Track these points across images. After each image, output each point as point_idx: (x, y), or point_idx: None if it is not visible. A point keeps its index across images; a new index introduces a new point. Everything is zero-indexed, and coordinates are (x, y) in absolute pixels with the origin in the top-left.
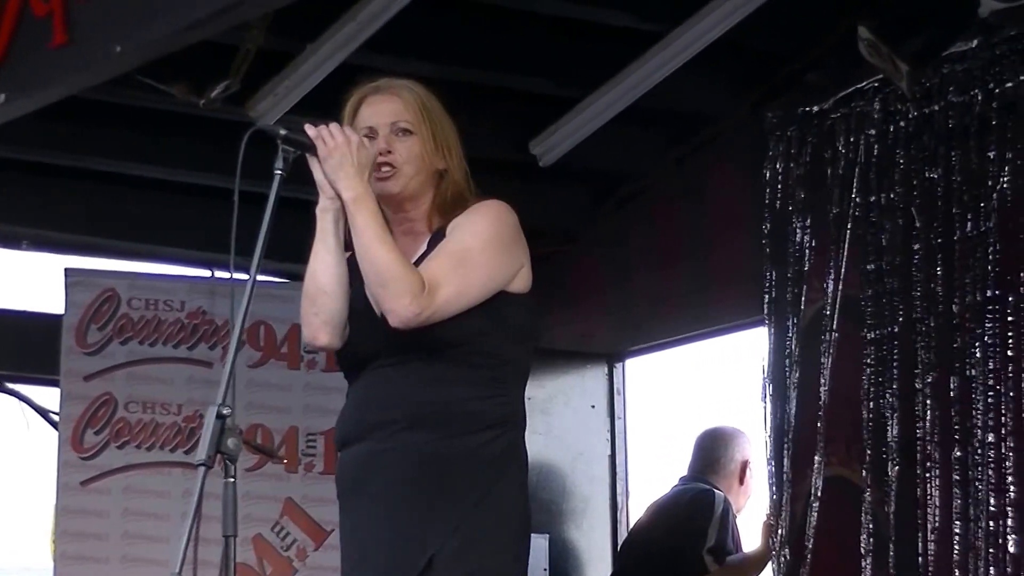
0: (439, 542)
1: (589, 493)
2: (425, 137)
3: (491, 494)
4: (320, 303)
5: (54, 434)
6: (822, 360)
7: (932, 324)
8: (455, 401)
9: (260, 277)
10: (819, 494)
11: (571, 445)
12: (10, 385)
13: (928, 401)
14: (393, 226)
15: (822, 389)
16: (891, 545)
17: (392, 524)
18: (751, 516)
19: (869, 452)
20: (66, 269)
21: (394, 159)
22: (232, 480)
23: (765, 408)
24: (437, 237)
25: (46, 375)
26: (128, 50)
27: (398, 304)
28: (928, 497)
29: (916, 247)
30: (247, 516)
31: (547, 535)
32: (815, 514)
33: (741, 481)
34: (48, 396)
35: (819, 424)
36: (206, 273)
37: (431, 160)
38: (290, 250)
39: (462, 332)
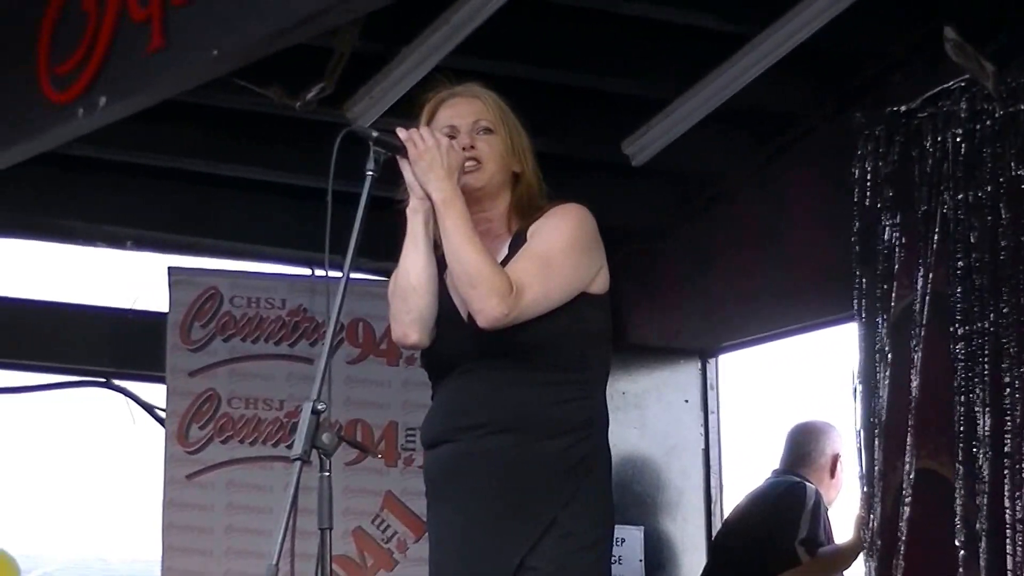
0: (529, 543)
1: (683, 486)
2: (504, 137)
3: (578, 495)
4: (411, 301)
5: (159, 430)
6: (912, 355)
7: (1020, 319)
8: (540, 405)
9: (359, 275)
10: (910, 487)
11: (665, 439)
12: (116, 382)
13: (1018, 395)
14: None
15: (912, 384)
16: (983, 538)
17: (482, 526)
18: (842, 509)
19: (960, 445)
20: (169, 268)
21: (478, 154)
22: (327, 474)
23: (855, 402)
24: (518, 240)
25: (151, 372)
26: (224, 53)
27: (487, 304)
28: (1018, 490)
29: (1003, 243)
30: (347, 509)
31: (642, 527)
32: (906, 507)
33: (832, 474)
34: (153, 392)
35: (909, 418)
36: (306, 271)
37: (509, 160)
38: (387, 249)
39: (546, 333)
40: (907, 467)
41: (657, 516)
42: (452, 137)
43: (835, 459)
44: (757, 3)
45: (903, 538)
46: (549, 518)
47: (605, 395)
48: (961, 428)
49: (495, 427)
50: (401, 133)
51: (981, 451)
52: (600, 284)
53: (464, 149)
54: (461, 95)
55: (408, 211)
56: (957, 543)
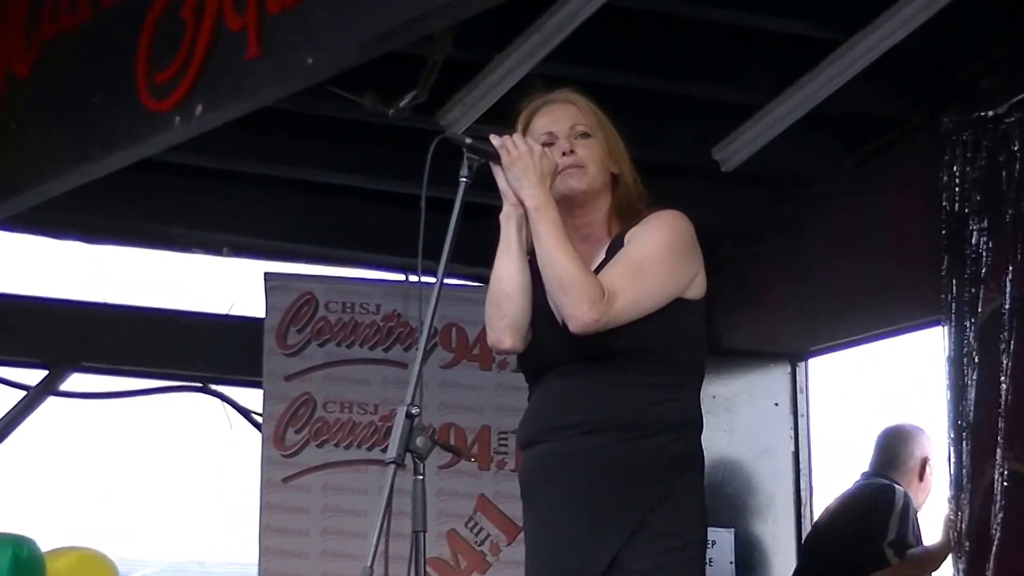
0: (623, 540)
1: (773, 489)
2: (602, 140)
3: (671, 495)
4: (504, 307)
5: (255, 434)
6: (1001, 359)
7: None
8: (635, 406)
9: (452, 281)
10: (1000, 490)
11: (755, 442)
12: (213, 386)
13: None
14: (572, 232)
15: (1001, 387)
16: None
17: (577, 523)
18: (932, 511)
19: None
20: (266, 274)
21: (578, 159)
22: (421, 477)
23: (946, 405)
24: (616, 245)
25: (247, 377)
26: (319, 61)
27: (578, 310)
28: None
29: None
30: (441, 512)
31: (732, 529)
32: (997, 510)
33: (921, 477)
34: (249, 397)
35: (998, 421)
36: (400, 277)
37: (608, 163)
38: (481, 254)
39: (639, 339)
40: (996, 470)
41: (748, 519)
42: (550, 144)
43: (924, 462)
44: (847, 9)
45: (995, 540)
46: (640, 517)
47: (699, 399)
48: None
49: (587, 427)
50: (494, 140)
51: None
52: (696, 290)
53: (564, 154)
54: (555, 101)
55: (501, 217)
56: None
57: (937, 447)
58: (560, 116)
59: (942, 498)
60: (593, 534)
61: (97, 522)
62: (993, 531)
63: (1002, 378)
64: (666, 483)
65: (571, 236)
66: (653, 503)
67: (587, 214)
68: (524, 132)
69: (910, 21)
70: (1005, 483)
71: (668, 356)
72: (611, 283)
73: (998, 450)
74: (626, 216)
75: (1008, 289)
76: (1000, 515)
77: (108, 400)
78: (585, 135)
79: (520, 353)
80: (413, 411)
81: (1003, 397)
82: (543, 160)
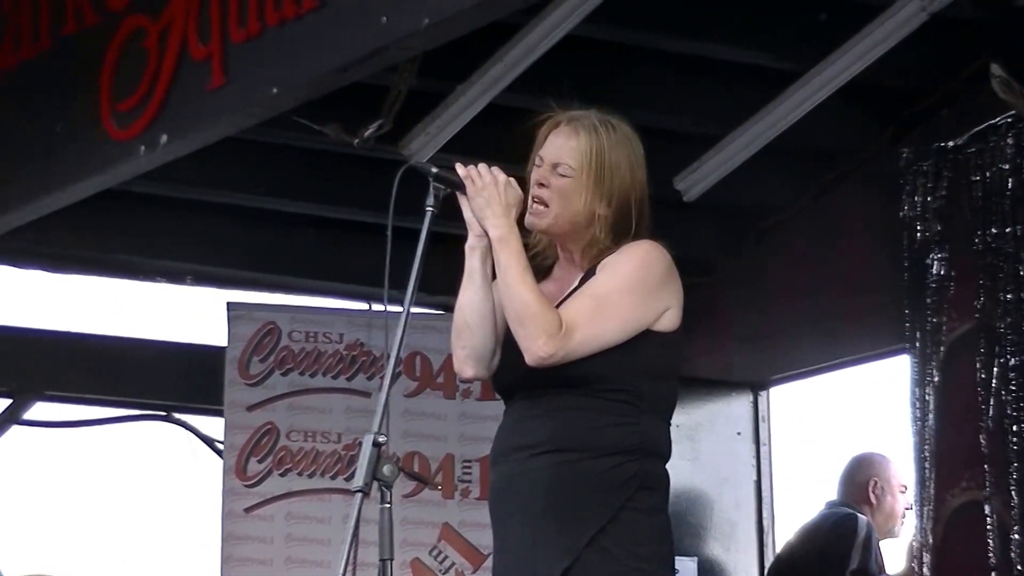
0: (572, 558)
1: (736, 517)
2: (585, 184)
3: (623, 515)
4: (465, 338)
5: (219, 462)
6: (963, 388)
7: None
8: (589, 428)
9: (416, 309)
10: (960, 518)
11: (718, 471)
12: (177, 415)
13: None
14: (558, 251)
15: (963, 416)
16: None
17: (528, 541)
18: (902, 539)
19: (1013, 476)
20: (228, 303)
21: (545, 196)
22: (388, 506)
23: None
24: (588, 276)
25: (211, 405)
26: (284, 91)
27: (534, 344)
28: None
29: None
30: (405, 540)
31: (695, 558)
32: (955, 537)
33: (869, 501)
34: (213, 426)
35: (961, 449)
36: (364, 306)
37: (587, 205)
38: (445, 283)
39: (598, 369)
40: (956, 498)
41: (710, 547)
42: (539, 166)
43: (870, 485)
44: (808, 40)
45: (950, 569)
46: (590, 536)
47: (664, 427)
48: (1015, 459)
49: (541, 448)
50: (460, 169)
51: None
52: (668, 322)
53: (537, 185)
54: (567, 126)
55: (466, 248)
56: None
57: (902, 474)
58: (558, 144)
59: (909, 525)
60: (543, 552)
61: (60, 551)
62: (948, 559)
63: (964, 407)
64: (618, 504)
65: (559, 257)
66: (604, 522)
67: (569, 242)
68: (542, 142)
69: (870, 52)
70: (963, 512)
71: (627, 386)
72: (571, 317)
73: (959, 479)
74: (606, 252)
75: (969, 318)
76: (955, 543)
77: (72, 429)
78: (565, 176)
79: (492, 375)
80: (380, 439)
81: (964, 426)
82: (508, 190)
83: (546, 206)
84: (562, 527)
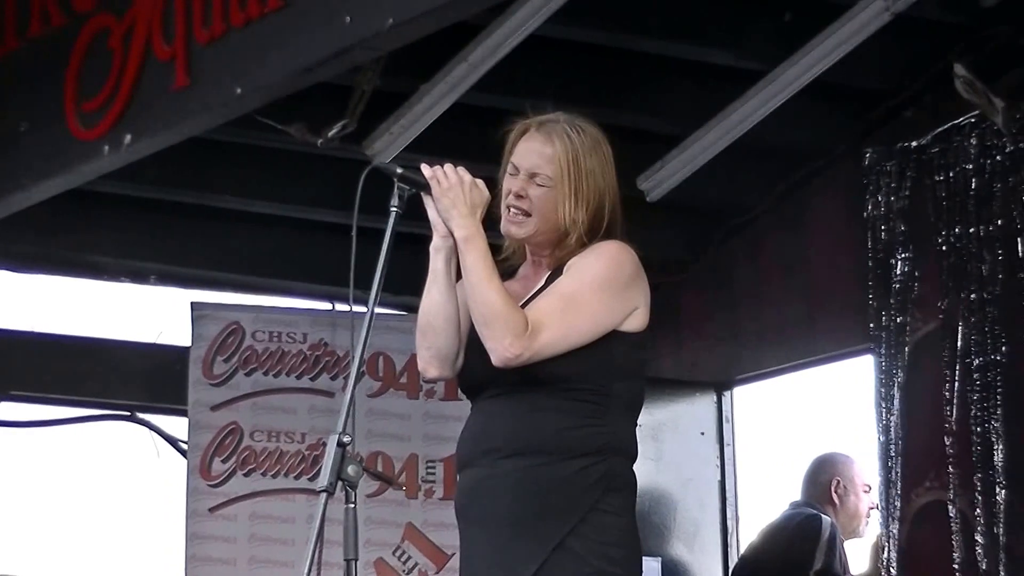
0: (541, 560)
1: (700, 517)
2: (564, 193)
3: (591, 517)
4: (429, 339)
5: (183, 462)
6: (927, 387)
7: None
8: (553, 431)
9: (380, 310)
10: (924, 518)
11: (681, 471)
12: (141, 415)
13: None
14: (527, 253)
15: (928, 415)
16: (1000, 568)
17: (493, 546)
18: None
19: (978, 476)
20: (192, 303)
21: (527, 205)
22: (352, 506)
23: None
24: (555, 275)
25: (175, 405)
26: (248, 92)
27: (500, 344)
28: None
29: (1021, 276)
30: (369, 540)
31: (659, 558)
32: (920, 537)
33: (831, 501)
34: (177, 426)
35: (925, 449)
36: (327, 306)
37: (568, 213)
38: (408, 283)
39: (565, 370)
40: (921, 498)
41: (674, 547)
42: (513, 175)
43: (832, 484)
44: (772, 40)
45: (916, 568)
46: (558, 539)
47: (630, 427)
48: (978, 460)
49: (507, 451)
50: (425, 170)
51: (997, 482)
52: (635, 322)
53: (514, 195)
54: (540, 132)
55: (431, 249)
56: (972, 573)
57: (865, 474)
58: (532, 150)
59: (874, 525)
60: (511, 556)
61: (23, 551)
62: (913, 559)
63: (928, 406)
64: (587, 506)
65: (527, 256)
66: (572, 524)
67: (545, 248)
68: (512, 147)
69: (834, 52)
70: (927, 511)
71: (592, 386)
72: (537, 317)
73: (923, 479)
74: (575, 253)
75: (933, 318)
76: (920, 542)
77: (36, 429)
78: (543, 186)
79: (458, 375)
80: (344, 439)
81: (928, 425)
82: (474, 191)
83: (527, 215)
84: (530, 531)
